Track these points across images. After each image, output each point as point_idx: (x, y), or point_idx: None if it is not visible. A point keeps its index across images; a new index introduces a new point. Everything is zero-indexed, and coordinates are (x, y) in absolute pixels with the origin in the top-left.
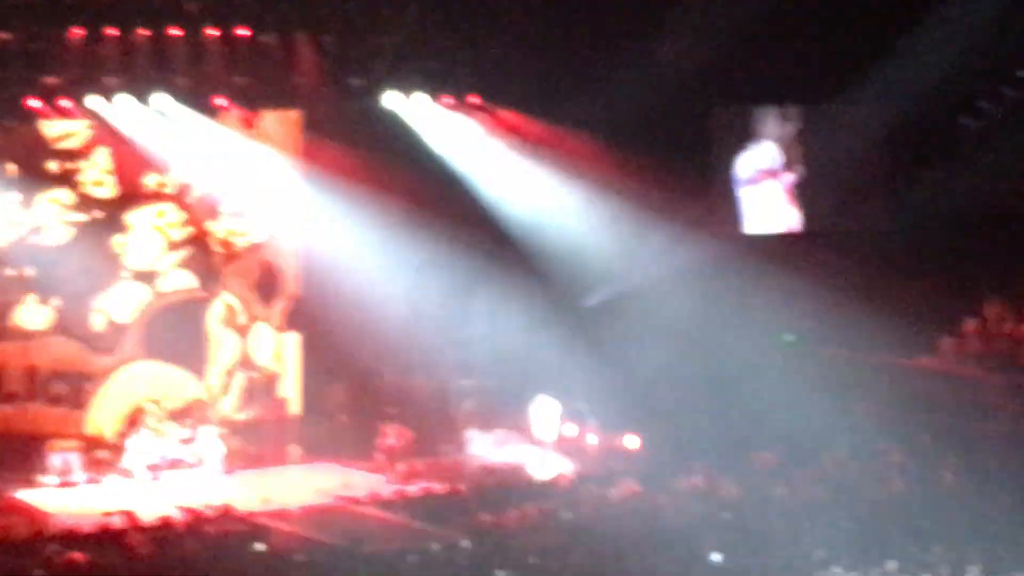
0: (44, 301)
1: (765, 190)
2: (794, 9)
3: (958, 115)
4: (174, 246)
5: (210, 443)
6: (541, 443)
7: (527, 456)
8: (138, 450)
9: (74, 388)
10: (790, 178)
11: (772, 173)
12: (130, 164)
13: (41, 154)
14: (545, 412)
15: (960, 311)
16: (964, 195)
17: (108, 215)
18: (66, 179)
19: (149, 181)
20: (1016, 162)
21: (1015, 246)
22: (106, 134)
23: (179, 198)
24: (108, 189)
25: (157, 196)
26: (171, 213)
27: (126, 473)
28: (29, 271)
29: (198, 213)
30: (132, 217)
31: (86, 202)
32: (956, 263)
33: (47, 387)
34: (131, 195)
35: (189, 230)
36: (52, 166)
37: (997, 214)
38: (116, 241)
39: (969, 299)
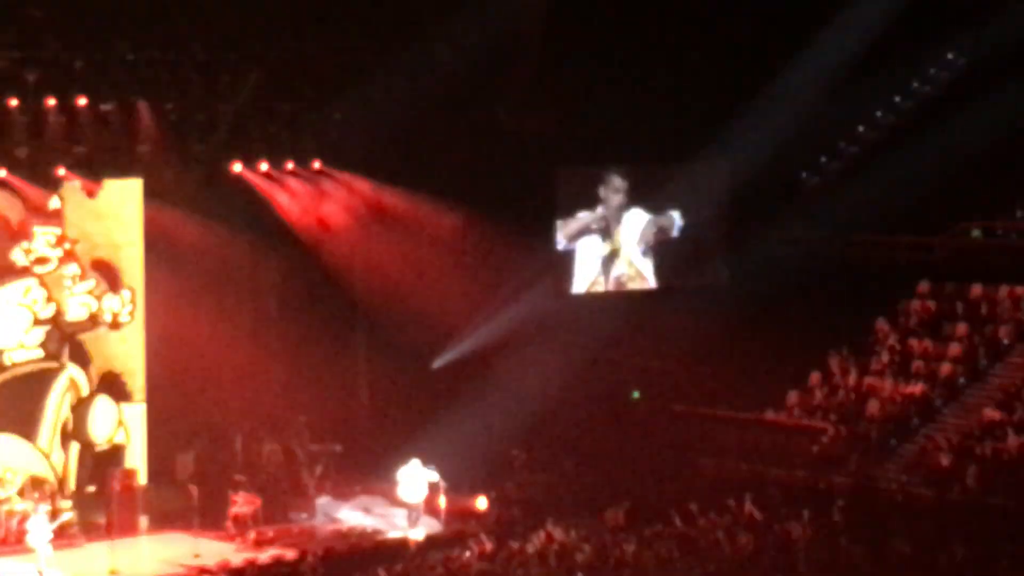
0: None
1: (596, 251)
2: (636, 73)
3: (799, 171)
4: (39, 322)
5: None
6: (408, 506)
7: (388, 519)
8: (38, 526)
9: None
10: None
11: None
12: None
13: None
14: (413, 475)
15: (805, 365)
16: (806, 249)
17: None
18: None
19: (14, 256)
20: (855, 216)
21: (856, 299)
22: None
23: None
24: None
25: (24, 272)
26: (35, 289)
27: (28, 548)
28: None
29: (51, 287)
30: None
31: None
32: (800, 317)
33: None
34: None
35: (50, 305)
36: None
37: (838, 268)
38: None
39: (813, 353)
